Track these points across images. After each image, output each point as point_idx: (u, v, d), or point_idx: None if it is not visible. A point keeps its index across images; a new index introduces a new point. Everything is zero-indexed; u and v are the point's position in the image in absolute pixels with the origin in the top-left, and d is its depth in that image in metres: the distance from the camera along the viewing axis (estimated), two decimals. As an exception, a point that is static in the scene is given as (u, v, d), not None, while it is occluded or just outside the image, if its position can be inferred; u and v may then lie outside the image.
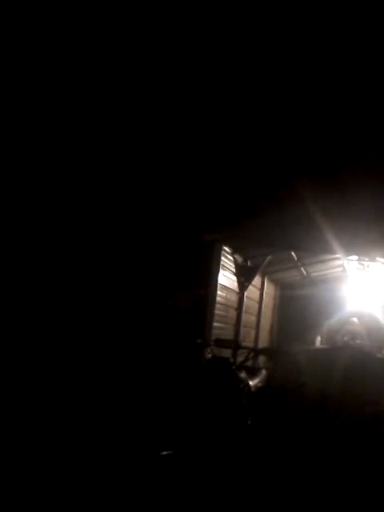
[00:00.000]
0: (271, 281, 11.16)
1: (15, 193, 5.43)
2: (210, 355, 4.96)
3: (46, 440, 4.34)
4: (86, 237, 6.28)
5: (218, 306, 7.29)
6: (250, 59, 3.98)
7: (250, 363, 5.58)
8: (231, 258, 7.90)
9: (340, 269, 10.49)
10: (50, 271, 5.95)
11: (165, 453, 4.31)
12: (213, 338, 6.47)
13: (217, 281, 7.17)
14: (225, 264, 7.58)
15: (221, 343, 5.21)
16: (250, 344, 9.57)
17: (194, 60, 3.88)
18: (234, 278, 8.19)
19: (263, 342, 10.86)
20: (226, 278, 7.76)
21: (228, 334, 7.98)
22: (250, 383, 4.87)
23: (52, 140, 5.03)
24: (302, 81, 4.48)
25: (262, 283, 10.33)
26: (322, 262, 9.59)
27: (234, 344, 5.39)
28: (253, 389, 4.92)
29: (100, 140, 5.57)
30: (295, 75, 4.33)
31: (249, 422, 4.45)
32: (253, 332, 10.07)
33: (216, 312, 7.21)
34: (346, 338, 10.42)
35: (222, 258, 7.35)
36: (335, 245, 6.80)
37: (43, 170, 5.56)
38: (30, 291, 5.75)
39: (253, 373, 5.22)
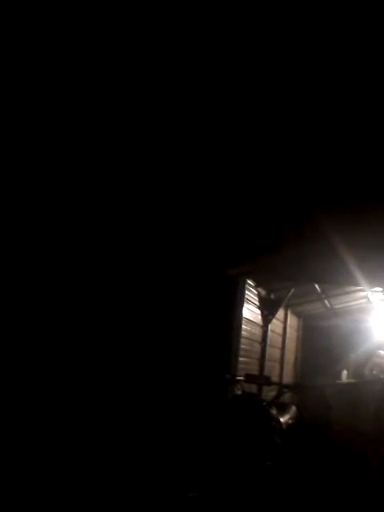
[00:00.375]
0: (295, 313, 11.04)
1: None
2: (239, 391, 4.88)
3: (77, 480, 4.29)
4: (111, 269, 6.33)
5: (242, 339, 7.22)
6: (276, 91, 4.05)
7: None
8: (255, 292, 7.87)
9: (364, 300, 10.33)
10: (77, 302, 5.98)
11: (192, 494, 4.20)
12: (239, 372, 6.38)
13: (241, 314, 7.13)
14: (248, 297, 7.56)
15: (251, 379, 5.13)
16: (276, 378, 9.40)
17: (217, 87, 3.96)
18: (258, 312, 8.13)
19: (287, 376, 10.65)
20: (250, 311, 7.72)
21: (253, 369, 7.86)
22: (281, 420, 4.76)
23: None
24: (323, 113, 4.54)
25: (286, 316, 10.22)
26: (346, 293, 9.48)
27: (265, 380, 5.29)
28: (284, 426, 4.80)
29: (123, 170, 5.66)
30: (318, 109, 4.39)
31: (281, 462, 4.32)
32: (277, 366, 9.90)
33: (241, 346, 7.14)
34: (374, 372, 10.15)
35: (246, 291, 7.34)
36: (358, 276, 6.73)
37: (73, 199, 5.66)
38: (59, 322, 5.77)
39: (283, 409, 5.11)
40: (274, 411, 4.56)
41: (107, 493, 4.16)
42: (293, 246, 6.60)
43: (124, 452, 5.01)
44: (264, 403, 4.57)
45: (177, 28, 3.26)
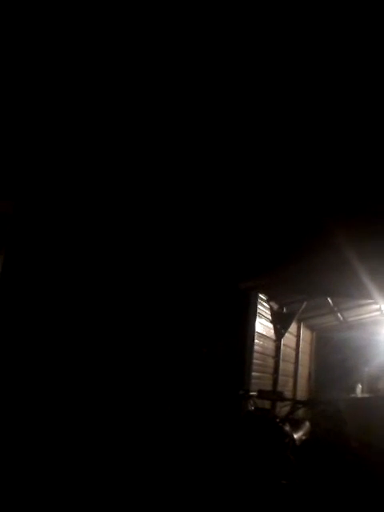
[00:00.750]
0: (307, 327, 10.98)
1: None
2: (252, 407, 4.86)
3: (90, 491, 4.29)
4: (125, 284, 6.37)
5: (255, 354, 7.20)
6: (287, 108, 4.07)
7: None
8: (267, 306, 7.86)
9: (378, 313, 10.23)
10: (90, 315, 6.01)
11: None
12: (252, 388, 6.36)
13: (254, 329, 7.12)
14: (261, 312, 7.54)
15: (264, 395, 5.11)
16: (289, 392, 9.33)
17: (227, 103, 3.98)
18: (271, 326, 8.11)
19: (301, 390, 10.55)
20: (263, 325, 7.70)
21: (266, 384, 7.82)
22: (295, 437, 4.73)
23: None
24: (337, 126, 4.54)
25: (299, 329, 10.17)
26: (359, 306, 9.40)
27: (278, 396, 5.26)
28: (297, 443, 4.77)
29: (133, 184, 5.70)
30: (333, 122, 4.39)
31: (296, 479, 4.28)
32: (291, 380, 9.82)
33: (254, 361, 7.12)
34: (388, 386, 10.02)
35: (258, 305, 7.33)
36: (371, 288, 6.70)
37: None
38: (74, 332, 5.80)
39: (297, 425, 5.07)
40: (287, 427, 4.54)
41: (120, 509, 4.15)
42: (305, 259, 6.59)
43: (138, 470, 5.00)
44: (277, 419, 4.54)
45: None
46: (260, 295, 7.39)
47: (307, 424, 5.52)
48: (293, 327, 9.29)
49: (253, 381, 6.94)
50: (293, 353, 9.91)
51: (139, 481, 4.71)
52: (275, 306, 8.15)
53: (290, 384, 9.78)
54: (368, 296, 7.26)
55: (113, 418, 5.70)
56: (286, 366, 9.12)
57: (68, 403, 5.46)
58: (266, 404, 5.76)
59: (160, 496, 4.43)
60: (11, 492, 3.81)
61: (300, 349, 10.24)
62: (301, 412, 6.95)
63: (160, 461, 5.26)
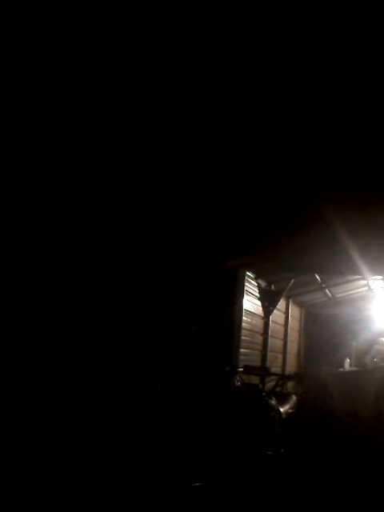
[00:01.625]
0: (296, 303, 11.09)
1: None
2: (238, 383, 4.95)
3: (74, 464, 4.37)
4: (109, 262, 6.36)
5: (243, 331, 7.29)
6: (270, 71, 4.03)
7: (278, 389, 5.54)
8: (255, 283, 7.92)
9: (365, 288, 10.36)
10: (72, 292, 6.02)
11: (196, 484, 4.28)
12: (240, 364, 6.45)
13: (242, 306, 7.19)
14: (249, 289, 7.61)
15: (250, 370, 5.18)
16: (278, 368, 9.48)
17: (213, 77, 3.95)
18: (259, 303, 8.18)
19: (291, 366, 10.73)
20: (251, 303, 7.77)
21: (255, 360, 7.94)
22: (281, 410, 4.83)
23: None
24: (324, 100, 4.49)
25: (287, 306, 10.28)
26: (347, 282, 9.51)
27: (264, 371, 5.35)
28: (284, 416, 4.87)
29: (121, 160, 5.67)
30: (319, 93, 4.35)
31: (282, 451, 4.39)
32: (280, 356, 9.97)
33: (242, 338, 7.21)
34: (375, 359, 10.21)
35: (246, 283, 7.39)
36: (360, 265, 6.75)
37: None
38: (55, 311, 5.81)
39: (283, 399, 5.18)
40: (273, 401, 4.63)
41: (109, 482, 4.24)
42: (293, 236, 6.60)
43: (127, 443, 5.10)
44: (263, 394, 4.63)
45: (176, 28, 3.27)
46: (247, 273, 7.44)
47: (294, 398, 5.63)
48: (281, 304, 9.39)
49: (241, 357, 7.04)
50: (282, 329, 10.04)
51: (128, 455, 4.81)
52: (263, 284, 8.21)
53: (280, 360, 9.94)
54: (357, 272, 7.32)
55: (102, 395, 5.77)
56: (274, 343, 9.25)
57: (60, 379, 5.51)
58: (254, 379, 5.86)
59: (148, 469, 4.53)
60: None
61: (289, 325, 10.37)
62: (290, 386, 7.10)
63: (150, 437, 5.36)
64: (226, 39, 3.35)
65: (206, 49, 3.42)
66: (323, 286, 9.62)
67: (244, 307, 7.28)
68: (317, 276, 8.66)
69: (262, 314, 8.39)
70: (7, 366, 5.15)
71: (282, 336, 10.05)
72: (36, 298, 5.59)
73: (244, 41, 3.34)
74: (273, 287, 8.49)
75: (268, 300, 8.33)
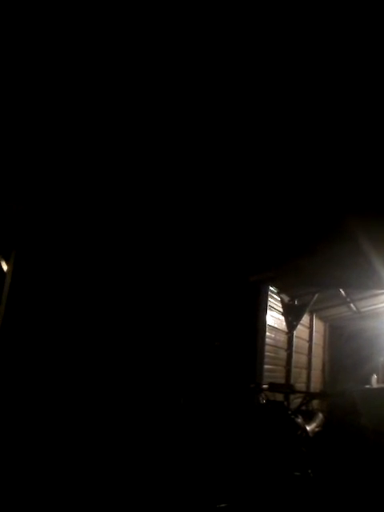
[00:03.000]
0: (320, 318, 10.92)
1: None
2: (263, 400, 4.86)
3: (97, 478, 4.35)
4: (135, 278, 6.38)
5: (267, 347, 7.20)
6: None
7: (303, 407, 5.43)
8: (278, 298, 7.84)
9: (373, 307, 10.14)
10: (99, 307, 6.04)
11: (220, 505, 4.19)
12: (265, 381, 6.36)
13: (265, 322, 7.11)
14: (272, 304, 7.53)
15: (275, 388, 5.10)
16: (303, 385, 9.31)
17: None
18: (282, 318, 8.09)
19: (315, 382, 10.52)
20: (274, 318, 7.69)
21: (279, 376, 7.82)
22: (308, 428, 4.72)
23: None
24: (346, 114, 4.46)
25: (311, 321, 10.13)
26: (373, 296, 9.32)
27: (289, 388, 5.26)
28: (310, 434, 4.76)
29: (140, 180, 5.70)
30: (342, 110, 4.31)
31: (309, 471, 4.28)
32: (304, 372, 9.80)
33: (266, 353, 7.12)
34: (404, 376, 9.94)
35: (269, 298, 7.32)
36: (384, 279, 6.64)
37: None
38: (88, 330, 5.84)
39: (309, 417, 5.06)
40: (299, 420, 4.53)
41: (133, 504, 4.20)
42: (316, 250, 6.53)
43: (151, 462, 5.05)
44: (289, 412, 4.54)
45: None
46: (271, 288, 7.37)
47: (320, 416, 5.51)
48: (305, 319, 9.26)
49: (265, 373, 6.95)
50: (306, 344, 9.88)
51: (152, 474, 4.76)
52: (286, 299, 8.12)
53: (304, 376, 9.76)
54: (382, 286, 7.19)
55: (127, 411, 5.75)
56: (298, 358, 9.10)
57: (84, 397, 5.52)
58: (278, 397, 5.76)
59: (172, 489, 4.46)
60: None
61: (313, 340, 10.20)
62: (315, 404, 6.95)
63: (173, 454, 5.30)
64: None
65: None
66: (348, 300, 9.45)
67: (267, 322, 7.21)
68: (341, 290, 8.52)
69: (286, 329, 8.28)
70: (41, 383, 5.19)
71: (306, 351, 9.89)
72: (70, 315, 5.66)
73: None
74: (296, 302, 8.38)
75: (291, 315, 8.23)
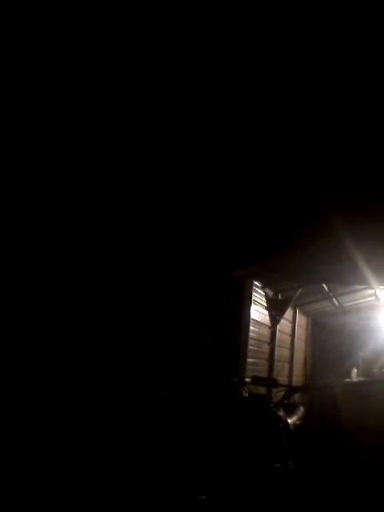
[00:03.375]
0: (303, 313, 11.04)
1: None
2: (246, 394, 4.91)
3: (78, 472, 4.35)
4: (117, 271, 6.36)
5: (250, 341, 7.26)
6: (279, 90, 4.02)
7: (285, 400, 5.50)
8: (262, 293, 7.90)
9: (373, 297, 10.30)
10: (79, 299, 6.00)
11: (202, 497, 4.24)
12: (248, 374, 6.42)
13: (249, 316, 7.17)
14: (256, 299, 7.59)
15: (258, 381, 5.15)
16: (285, 378, 9.42)
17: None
18: (266, 312, 8.16)
19: (297, 376, 10.66)
20: (258, 312, 7.75)
21: (262, 369, 7.90)
22: (289, 421, 4.78)
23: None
24: (330, 108, 4.49)
25: (294, 316, 10.23)
26: (355, 291, 9.46)
27: (272, 382, 5.32)
28: (292, 427, 4.83)
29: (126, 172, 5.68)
30: (327, 103, 4.34)
31: (290, 463, 4.35)
32: (286, 366, 9.91)
33: (249, 347, 7.18)
34: (383, 370, 10.12)
35: (253, 292, 7.37)
36: (367, 275, 6.73)
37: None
38: (60, 320, 5.79)
39: (290, 410, 5.13)
40: (281, 413, 4.59)
41: (115, 495, 4.22)
42: (300, 246, 6.59)
43: (133, 455, 5.07)
44: (272, 405, 4.59)
45: (176, 27, 3.28)
46: (255, 282, 7.42)
47: (301, 409, 5.58)
48: (288, 313, 9.35)
49: (248, 367, 7.01)
50: (288, 339, 9.99)
51: (134, 465, 4.78)
52: (270, 293, 8.19)
53: (286, 369, 9.87)
54: (364, 282, 7.29)
55: (109, 403, 5.76)
56: (281, 352, 9.20)
57: (65, 388, 5.50)
58: (261, 390, 5.83)
59: (154, 480, 4.50)
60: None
61: (296, 335, 10.31)
62: (297, 397, 7.04)
63: (156, 445, 5.33)
64: (230, 40, 3.35)
65: (208, 49, 3.42)
66: (330, 295, 9.57)
67: (251, 316, 7.26)
68: (324, 285, 8.62)
69: (269, 324, 8.35)
70: (16, 373, 5.15)
71: (288, 345, 10.00)
72: (45, 306, 5.60)
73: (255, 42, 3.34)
74: (280, 296, 8.46)
75: (275, 309, 8.30)
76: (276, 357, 8.59)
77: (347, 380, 9.69)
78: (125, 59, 3.54)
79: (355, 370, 10.73)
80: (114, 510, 3.99)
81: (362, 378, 10.23)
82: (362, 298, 10.42)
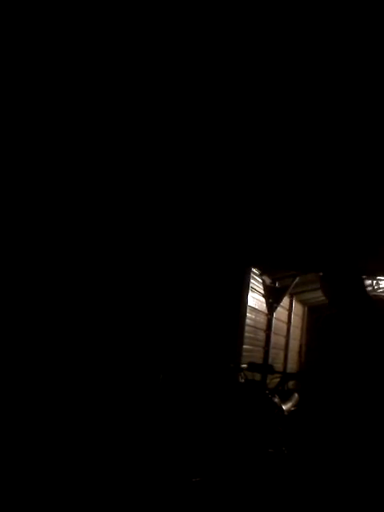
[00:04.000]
0: (299, 301, 11.10)
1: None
2: (242, 379, 4.97)
3: (71, 457, 4.39)
4: (114, 255, 6.34)
5: (247, 327, 7.31)
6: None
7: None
8: (259, 280, 7.92)
9: (369, 288, 10.35)
10: (75, 283, 5.99)
11: (196, 479, 4.30)
12: (244, 360, 6.47)
13: (246, 303, 7.20)
14: (253, 286, 7.61)
15: (254, 368, 5.21)
16: (280, 365, 9.50)
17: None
18: (263, 300, 8.19)
19: (292, 363, 10.75)
20: (255, 299, 7.78)
21: (257, 356, 7.96)
22: (284, 408, 4.85)
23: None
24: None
25: (290, 304, 10.28)
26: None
27: (268, 369, 5.37)
28: (286, 413, 4.89)
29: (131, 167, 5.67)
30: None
31: (283, 449, 4.41)
32: (282, 353, 9.99)
33: (246, 334, 7.23)
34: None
35: (251, 279, 7.39)
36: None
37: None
38: (55, 306, 5.78)
39: (285, 397, 5.19)
40: (276, 399, 4.65)
41: (108, 477, 4.27)
42: (298, 233, 6.59)
43: (127, 438, 5.12)
44: (267, 391, 4.65)
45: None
46: (253, 269, 7.44)
47: (296, 395, 5.65)
48: (285, 301, 9.40)
49: (244, 353, 7.06)
50: (284, 326, 10.05)
51: (127, 448, 4.83)
52: (268, 281, 8.21)
53: (281, 357, 9.96)
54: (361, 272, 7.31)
55: (105, 387, 5.80)
56: (277, 340, 9.27)
57: (62, 369, 5.52)
58: (257, 376, 5.88)
59: (151, 463, 4.55)
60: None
61: (291, 323, 10.38)
62: (291, 384, 7.11)
63: (150, 429, 5.39)
64: (231, 39, 3.32)
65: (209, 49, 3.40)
66: (327, 284, 9.58)
67: (248, 303, 7.29)
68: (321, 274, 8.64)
69: (266, 311, 8.40)
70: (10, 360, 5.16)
71: (284, 333, 10.07)
72: (40, 291, 5.60)
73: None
74: (277, 284, 8.49)
75: (272, 297, 8.34)
76: (272, 344, 8.66)
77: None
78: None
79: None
80: (104, 491, 4.04)
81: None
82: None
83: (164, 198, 6.37)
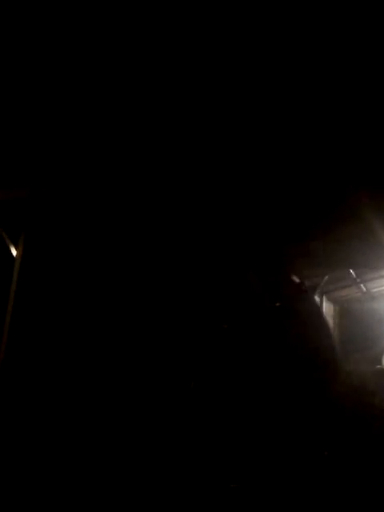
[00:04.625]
0: (330, 299, 10.88)
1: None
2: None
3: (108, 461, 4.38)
4: (144, 259, 6.32)
5: (278, 329, 7.17)
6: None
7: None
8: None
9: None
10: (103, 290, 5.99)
11: (234, 485, 4.23)
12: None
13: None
14: (282, 286, 7.48)
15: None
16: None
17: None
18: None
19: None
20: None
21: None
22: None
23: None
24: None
25: (321, 302, 10.08)
26: (383, 277, 9.27)
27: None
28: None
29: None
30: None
31: (324, 451, 4.29)
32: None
33: (276, 336, 7.09)
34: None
35: (279, 280, 7.26)
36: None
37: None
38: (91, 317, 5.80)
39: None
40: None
41: (147, 482, 4.22)
42: (328, 232, 6.47)
43: (164, 445, 5.07)
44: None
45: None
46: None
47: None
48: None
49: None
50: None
51: (164, 456, 4.78)
52: (296, 280, 8.06)
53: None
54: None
55: (137, 396, 5.77)
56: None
57: (93, 380, 5.52)
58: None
59: (185, 471, 4.49)
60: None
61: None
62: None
63: (185, 436, 5.32)
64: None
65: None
66: (358, 280, 9.40)
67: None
68: (351, 271, 8.47)
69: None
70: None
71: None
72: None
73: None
74: (306, 283, 8.33)
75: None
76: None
77: (378, 367, 9.54)
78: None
79: (385, 357, 10.55)
80: (143, 498, 3.99)
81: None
82: (391, 284, 10.22)
83: (191, 200, 6.32)
